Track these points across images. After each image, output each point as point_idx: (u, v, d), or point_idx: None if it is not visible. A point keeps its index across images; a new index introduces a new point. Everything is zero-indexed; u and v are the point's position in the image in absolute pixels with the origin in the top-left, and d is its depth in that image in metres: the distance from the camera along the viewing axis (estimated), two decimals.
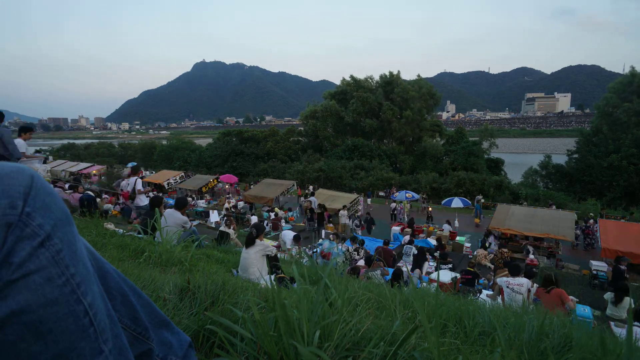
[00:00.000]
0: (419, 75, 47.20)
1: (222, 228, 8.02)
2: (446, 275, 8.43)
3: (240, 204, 20.30)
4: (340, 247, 9.62)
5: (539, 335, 1.54)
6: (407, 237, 12.25)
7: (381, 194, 30.46)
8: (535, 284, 6.45)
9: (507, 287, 5.66)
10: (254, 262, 4.45)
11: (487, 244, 13.37)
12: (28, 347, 0.48)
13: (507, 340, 1.53)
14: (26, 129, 6.35)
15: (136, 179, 7.74)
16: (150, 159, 50.82)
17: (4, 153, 5.34)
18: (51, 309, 0.50)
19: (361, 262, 8.94)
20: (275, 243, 9.49)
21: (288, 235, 9.89)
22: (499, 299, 5.72)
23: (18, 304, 0.47)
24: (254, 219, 14.76)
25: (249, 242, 4.58)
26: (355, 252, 9.49)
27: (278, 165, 40.59)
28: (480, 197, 22.06)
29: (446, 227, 15.95)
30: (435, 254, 10.64)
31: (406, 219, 19.00)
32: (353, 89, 45.42)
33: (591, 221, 16.11)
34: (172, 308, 1.30)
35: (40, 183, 0.54)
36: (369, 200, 25.12)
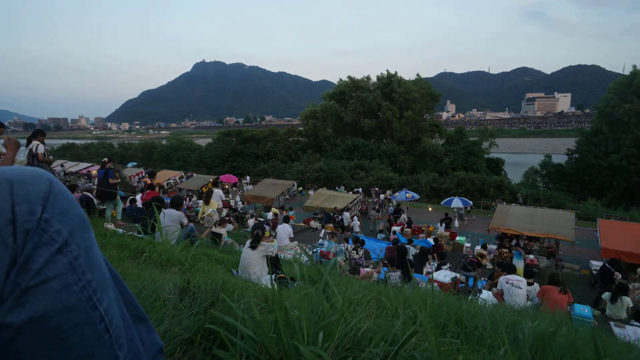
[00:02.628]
0: (418, 75, 47.25)
1: (214, 229, 7.87)
2: (446, 275, 8.43)
3: (240, 204, 20.29)
4: (341, 246, 9.61)
5: (540, 336, 1.54)
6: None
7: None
8: (536, 283, 6.48)
9: (507, 282, 5.69)
10: (253, 262, 4.45)
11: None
12: (45, 354, 0.48)
13: (510, 342, 1.52)
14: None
15: (37, 144, 6.40)
16: (150, 159, 50.81)
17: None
18: (68, 316, 0.50)
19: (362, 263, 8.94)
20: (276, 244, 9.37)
21: (284, 229, 9.44)
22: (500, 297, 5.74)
23: (36, 310, 0.47)
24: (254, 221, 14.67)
25: (255, 242, 4.61)
26: (355, 252, 9.50)
27: (278, 165, 40.57)
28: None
29: (440, 227, 15.99)
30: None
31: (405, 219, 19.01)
32: (351, 89, 45.43)
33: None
34: (172, 308, 1.30)
35: (59, 188, 0.54)
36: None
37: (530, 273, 6.85)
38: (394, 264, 6.64)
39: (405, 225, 16.15)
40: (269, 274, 4.54)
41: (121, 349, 0.57)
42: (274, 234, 10.64)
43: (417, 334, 1.13)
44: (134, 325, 0.71)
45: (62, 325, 0.49)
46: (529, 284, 6.26)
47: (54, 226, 0.51)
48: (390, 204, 22.25)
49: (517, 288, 5.44)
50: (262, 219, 15.25)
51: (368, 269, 7.36)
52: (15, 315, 0.46)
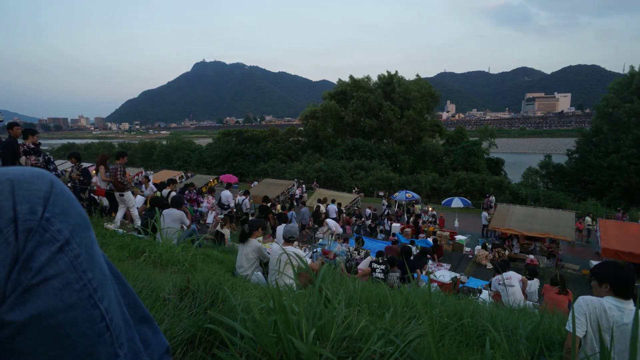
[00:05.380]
0: (418, 75, 47.16)
1: (218, 229, 7.87)
2: (446, 276, 8.45)
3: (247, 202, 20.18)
4: (342, 246, 9.60)
5: (536, 335, 1.55)
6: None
7: (380, 193, 30.46)
8: (533, 279, 6.52)
9: (499, 284, 5.71)
10: (244, 261, 4.48)
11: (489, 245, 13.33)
12: (46, 352, 0.49)
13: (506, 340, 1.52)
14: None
15: None
16: (150, 159, 50.79)
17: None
18: (69, 314, 0.50)
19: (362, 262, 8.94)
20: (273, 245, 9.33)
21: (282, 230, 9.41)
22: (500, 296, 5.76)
23: (37, 308, 0.48)
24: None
25: (242, 238, 4.63)
26: (356, 252, 9.50)
27: (278, 165, 40.54)
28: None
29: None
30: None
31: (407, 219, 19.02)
32: (352, 89, 45.36)
33: None
34: (172, 308, 1.30)
35: (60, 188, 0.55)
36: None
37: (532, 272, 6.88)
38: (394, 264, 6.62)
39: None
40: (263, 273, 4.54)
41: (121, 347, 0.57)
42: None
43: (416, 331, 1.14)
44: (140, 326, 0.72)
45: (63, 324, 0.50)
46: (529, 279, 6.31)
47: (55, 225, 0.51)
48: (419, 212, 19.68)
49: (510, 286, 5.46)
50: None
51: (364, 267, 7.32)
52: (17, 313, 0.47)
